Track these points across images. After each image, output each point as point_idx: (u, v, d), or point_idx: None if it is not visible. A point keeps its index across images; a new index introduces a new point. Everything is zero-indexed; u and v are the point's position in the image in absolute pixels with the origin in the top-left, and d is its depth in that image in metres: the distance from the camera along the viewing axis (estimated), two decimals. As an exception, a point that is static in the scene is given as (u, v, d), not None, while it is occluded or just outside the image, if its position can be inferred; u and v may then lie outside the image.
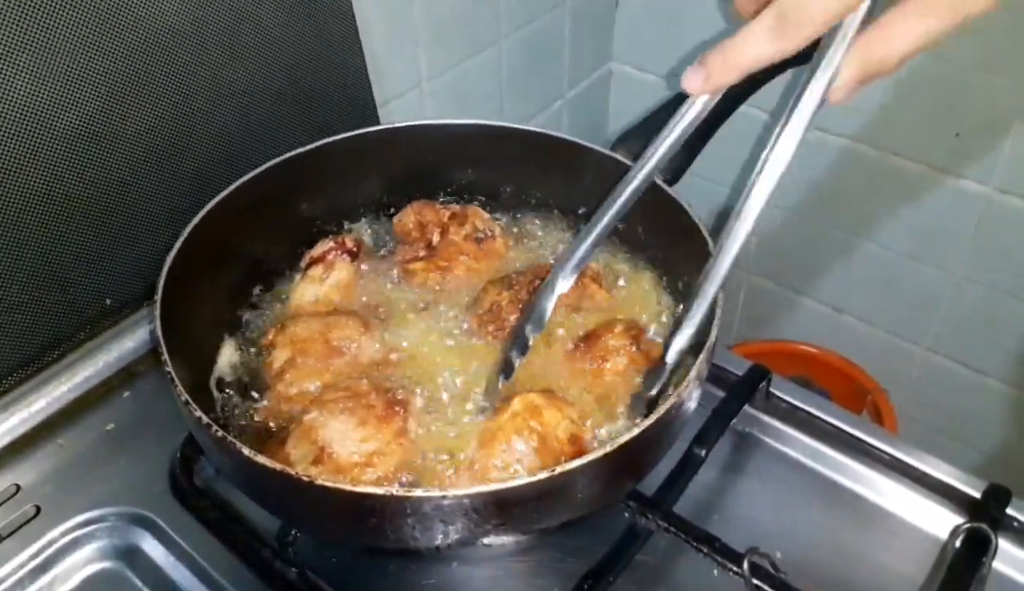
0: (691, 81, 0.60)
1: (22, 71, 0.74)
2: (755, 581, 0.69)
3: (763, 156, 0.62)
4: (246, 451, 0.60)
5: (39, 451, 0.83)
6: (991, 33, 1.15)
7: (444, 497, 0.58)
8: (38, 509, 0.78)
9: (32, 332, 0.84)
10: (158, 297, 0.71)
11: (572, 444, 0.70)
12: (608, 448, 0.59)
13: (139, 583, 0.76)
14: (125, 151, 0.84)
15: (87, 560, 0.77)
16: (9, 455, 0.82)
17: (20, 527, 0.77)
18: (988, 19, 1.15)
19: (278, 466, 0.59)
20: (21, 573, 0.75)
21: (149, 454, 0.82)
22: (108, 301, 0.89)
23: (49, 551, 0.76)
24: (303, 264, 0.89)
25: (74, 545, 0.77)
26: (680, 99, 0.95)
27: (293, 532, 0.74)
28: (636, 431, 0.61)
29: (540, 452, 0.69)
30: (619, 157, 0.87)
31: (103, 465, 0.82)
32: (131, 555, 0.77)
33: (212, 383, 0.80)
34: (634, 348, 0.77)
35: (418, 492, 0.58)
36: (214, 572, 0.73)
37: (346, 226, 0.95)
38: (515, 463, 0.68)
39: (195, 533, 0.76)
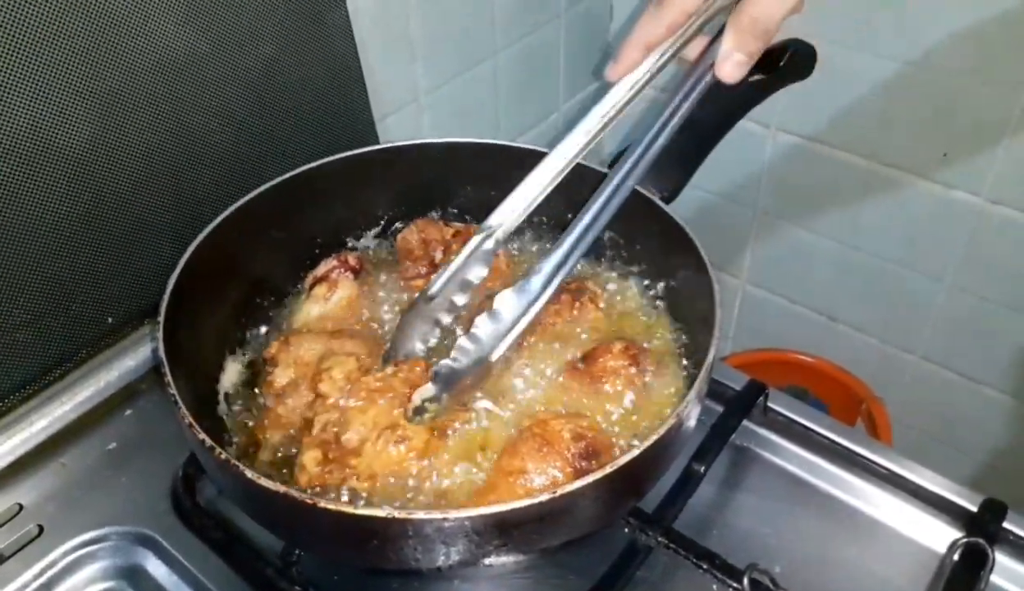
0: (610, 71, 0.73)
1: (23, 91, 0.74)
2: (755, 597, 0.70)
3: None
4: (249, 473, 0.60)
5: (41, 471, 0.83)
6: (982, 42, 1.16)
7: (445, 519, 0.58)
8: (41, 529, 0.78)
9: (33, 351, 0.84)
10: (161, 318, 0.71)
11: (577, 440, 0.71)
12: (609, 469, 0.60)
13: (142, 602, 0.76)
14: (125, 171, 0.85)
15: (90, 580, 0.77)
16: (11, 475, 0.83)
17: (23, 547, 0.77)
18: (979, 28, 1.17)
19: (281, 488, 0.59)
20: (24, 593, 0.75)
21: (151, 473, 0.82)
22: (109, 319, 0.90)
23: (52, 571, 0.76)
24: (306, 284, 0.90)
25: (77, 565, 0.77)
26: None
27: (296, 552, 0.75)
28: (636, 451, 0.61)
29: (548, 456, 0.70)
30: None
31: (105, 484, 0.82)
32: (134, 575, 0.77)
33: (215, 402, 0.80)
34: (632, 369, 0.78)
35: (419, 514, 0.58)
36: (217, 591, 0.74)
37: (348, 244, 0.96)
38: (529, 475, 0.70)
39: (198, 552, 0.76)
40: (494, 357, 0.73)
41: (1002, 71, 1.16)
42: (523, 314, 0.73)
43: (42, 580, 0.76)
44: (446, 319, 0.80)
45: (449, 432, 0.73)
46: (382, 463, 0.70)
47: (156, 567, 0.77)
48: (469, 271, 0.78)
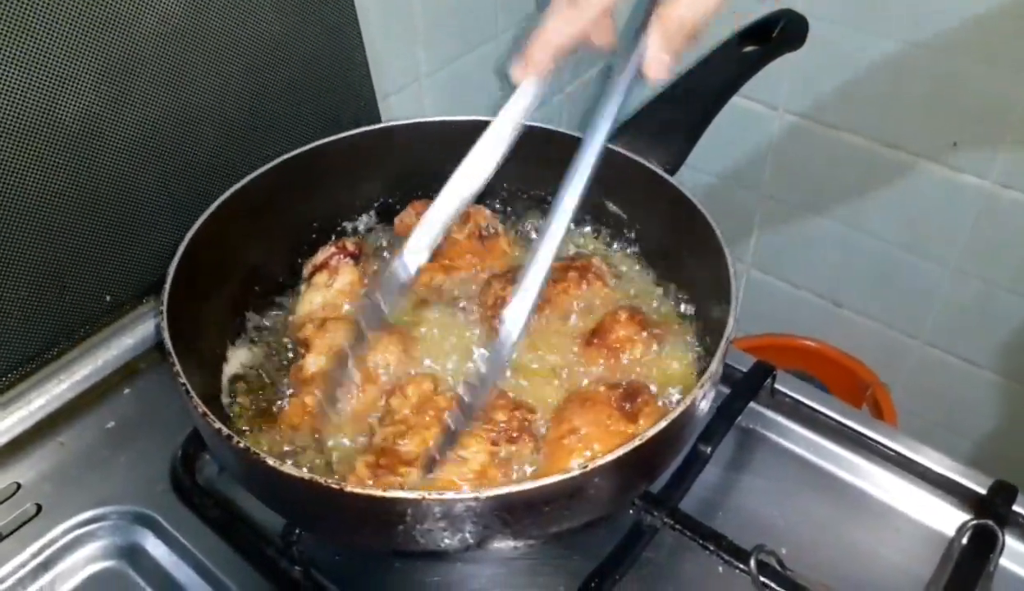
0: (515, 71, 0.66)
1: (19, 67, 0.73)
2: (762, 579, 0.69)
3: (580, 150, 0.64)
4: (271, 461, 0.60)
5: (40, 449, 0.83)
6: (990, 25, 1.14)
7: (476, 498, 0.57)
8: (39, 508, 0.78)
9: (31, 329, 0.83)
10: (164, 307, 0.70)
11: (614, 389, 0.72)
12: (626, 448, 0.59)
13: (141, 582, 0.75)
14: (124, 147, 0.83)
15: (89, 559, 0.77)
16: (9, 453, 0.82)
17: (21, 526, 0.76)
18: (986, 10, 1.16)
19: (306, 475, 0.59)
20: (22, 572, 0.74)
21: (150, 452, 0.82)
22: (108, 298, 0.88)
23: (50, 550, 0.76)
24: (306, 273, 0.88)
25: (75, 544, 0.77)
26: (679, 88, 0.95)
27: (297, 530, 0.74)
28: (652, 431, 0.60)
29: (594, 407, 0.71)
30: (618, 149, 0.86)
31: (104, 463, 0.81)
32: (133, 554, 0.77)
33: (219, 387, 0.79)
34: (644, 333, 0.78)
35: (450, 494, 0.58)
36: (217, 571, 0.73)
37: (347, 227, 0.94)
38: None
39: (198, 531, 0.75)
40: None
41: (1011, 54, 1.15)
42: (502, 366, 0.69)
43: (40, 559, 0.75)
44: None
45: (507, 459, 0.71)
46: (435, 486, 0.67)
47: (155, 546, 0.76)
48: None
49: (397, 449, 0.69)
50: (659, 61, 0.62)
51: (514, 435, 0.70)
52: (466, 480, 0.67)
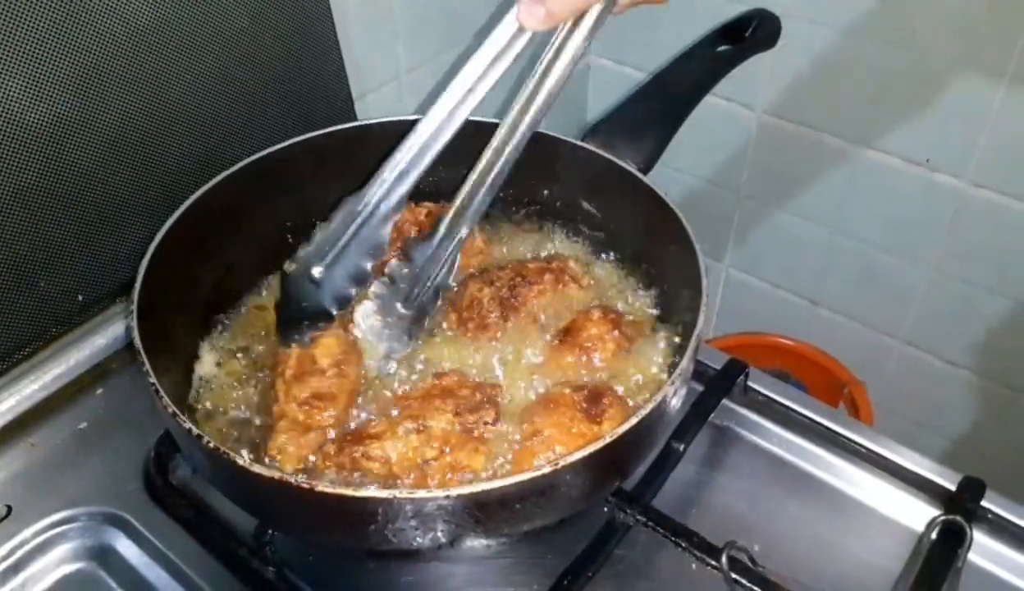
0: (530, 16, 0.64)
1: (-11, 64, 0.73)
2: (733, 575, 0.70)
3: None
4: (241, 460, 0.60)
5: (10, 450, 0.82)
6: (968, 26, 1.15)
7: (447, 496, 0.58)
8: (9, 509, 0.77)
9: (2, 329, 0.83)
10: (134, 307, 0.70)
11: (578, 390, 0.73)
12: (597, 446, 0.60)
13: (113, 584, 0.75)
14: (96, 146, 0.83)
15: (60, 561, 0.76)
16: (-21, 454, 0.81)
17: (-9, 528, 0.76)
18: (964, 12, 1.16)
19: (276, 475, 0.59)
20: (-8, 574, 0.74)
21: (122, 452, 0.81)
22: (80, 297, 0.88)
23: (21, 552, 0.75)
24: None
25: (47, 545, 0.76)
26: (653, 86, 0.95)
27: (270, 531, 0.74)
28: (623, 428, 0.61)
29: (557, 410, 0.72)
30: (591, 147, 0.87)
31: (75, 464, 0.81)
32: (105, 555, 0.76)
33: (189, 387, 0.79)
34: (616, 332, 0.78)
35: (421, 493, 0.58)
36: (190, 572, 0.73)
37: (319, 225, 0.94)
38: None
39: (170, 532, 0.75)
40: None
41: (985, 55, 1.16)
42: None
43: (10, 562, 0.74)
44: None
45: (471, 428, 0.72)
46: (399, 453, 0.69)
47: (127, 547, 0.76)
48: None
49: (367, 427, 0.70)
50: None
51: (476, 403, 0.71)
52: (429, 447, 0.68)
